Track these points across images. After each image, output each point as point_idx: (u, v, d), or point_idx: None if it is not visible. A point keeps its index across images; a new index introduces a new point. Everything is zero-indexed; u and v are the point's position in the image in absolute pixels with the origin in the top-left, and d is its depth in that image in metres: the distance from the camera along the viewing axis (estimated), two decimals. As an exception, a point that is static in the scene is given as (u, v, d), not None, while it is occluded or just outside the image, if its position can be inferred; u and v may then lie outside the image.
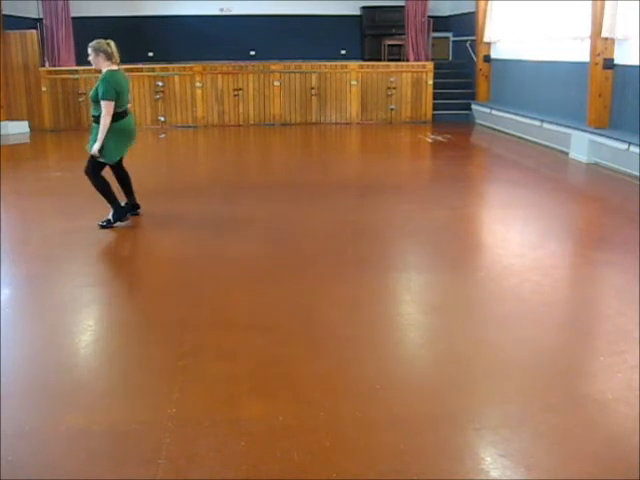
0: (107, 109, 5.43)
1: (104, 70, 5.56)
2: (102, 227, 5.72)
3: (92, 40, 5.70)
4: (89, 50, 5.59)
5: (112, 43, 5.64)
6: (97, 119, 5.53)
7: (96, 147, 5.48)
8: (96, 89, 5.49)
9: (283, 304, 4.23)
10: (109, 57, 5.58)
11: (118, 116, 5.54)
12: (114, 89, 5.46)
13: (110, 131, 5.47)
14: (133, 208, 6.05)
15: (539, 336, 3.72)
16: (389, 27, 14.77)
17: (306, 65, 13.06)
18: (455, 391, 3.15)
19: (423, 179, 8.77)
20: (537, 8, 10.66)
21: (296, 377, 3.28)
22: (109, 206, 5.76)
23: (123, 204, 5.89)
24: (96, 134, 5.51)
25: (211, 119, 12.87)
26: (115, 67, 5.63)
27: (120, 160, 5.92)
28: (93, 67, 5.73)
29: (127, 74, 5.97)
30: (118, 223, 5.76)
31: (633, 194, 7.02)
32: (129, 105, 5.83)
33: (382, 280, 4.68)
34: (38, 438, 2.76)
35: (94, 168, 5.67)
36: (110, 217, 5.76)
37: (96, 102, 5.52)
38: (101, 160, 5.60)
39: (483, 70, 13.03)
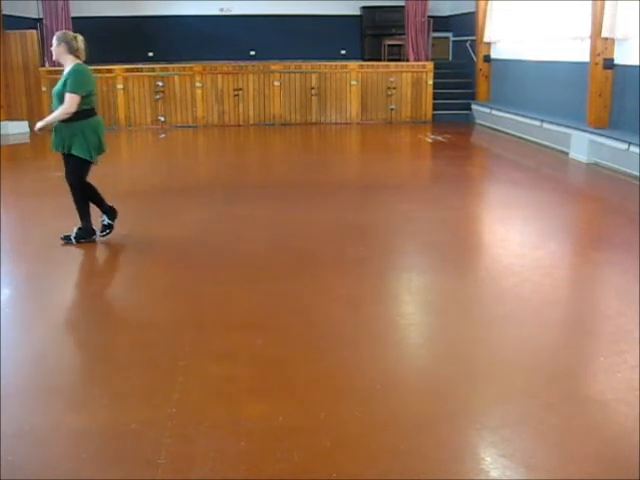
0: (71, 102, 4.96)
1: (71, 63, 5.11)
2: (65, 242, 5.34)
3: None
4: (53, 39, 5.20)
5: (80, 38, 5.20)
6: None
7: (40, 124, 5.11)
8: (64, 82, 5.04)
9: (283, 304, 4.22)
10: (72, 50, 5.11)
11: (91, 112, 5.17)
12: (91, 83, 5.13)
13: (84, 129, 5.09)
14: (110, 213, 5.50)
15: (539, 336, 3.72)
16: (389, 27, 14.76)
17: (306, 65, 13.06)
18: (455, 391, 3.15)
19: (423, 179, 8.77)
20: (537, 8, 10.65)
21: (296, 377, 3.28)
22: (79, 220, 5.38)
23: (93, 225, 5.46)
24: (61, 133, 5.11)
25: (211, 119, 12.87)
26: (80, 61, 5.17)
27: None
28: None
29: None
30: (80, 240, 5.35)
31: (633, 194, 7.02)
32: None
33: (382, 280, 4.68)
34: (38, 438, 2.76)
35: (76, 176, 5.24)
36: (74, 233, 5.35)
37: (61, 97, 5.08)
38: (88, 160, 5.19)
39: (483, 70, 13.03)
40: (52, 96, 5.26)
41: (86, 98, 5.08)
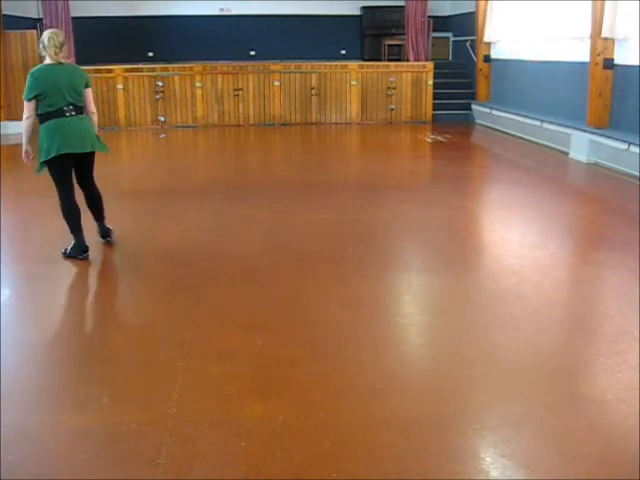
0: (25, 109, 4.82)
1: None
2: (65, 256, 5.09)
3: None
4: None
5: (47, 35, 4.82)
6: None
7: (23, 150, 5.02)
8: None
9: (283, 304, 4.22)
10: (45, 50, 4.83)
11: (46, 117, 4.84)
12: (36, 88, 4.74)
13: (40, 136, 4.90)
14: (103, 235, 5.38)
15: (539, 336, 3.72)
16: (389, 27, 14.78)
17: (306, 65, 13.06)
18: (455, 391, 3.15)
19: (423, 179, 8.77)
20: (537, 8, 10.66)
21: (296, 377, 3.28)
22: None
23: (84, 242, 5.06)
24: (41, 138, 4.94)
25: (211, 119, 12.87)
26: (50, 61, 4.83)
27: (86, 180, 5.20)
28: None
29: (79, 69, 5.11)
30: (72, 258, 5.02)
31: (633, 194, 7.02)
32: (71, 106, 4.87)
33: (382, 280, 4.67)
34: (38, 438, 2.76)
35: (56, 186, 5.01)
36: (69, 248, 5.07)
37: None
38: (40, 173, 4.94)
39: (483, 70, 13.03)
40: None
41: (41, 102, 4.79)
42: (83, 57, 12.69)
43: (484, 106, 12.68)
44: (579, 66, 9.28)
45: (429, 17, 13.85)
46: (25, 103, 4.84)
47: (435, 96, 13.17)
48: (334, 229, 5.89)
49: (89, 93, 5.08)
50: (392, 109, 13.15)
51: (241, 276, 4.73)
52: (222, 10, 14.72)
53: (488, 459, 2.61)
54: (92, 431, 2.81)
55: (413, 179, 8.61)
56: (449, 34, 15.03)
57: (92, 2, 13.74)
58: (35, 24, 12.69)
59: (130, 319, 4.12)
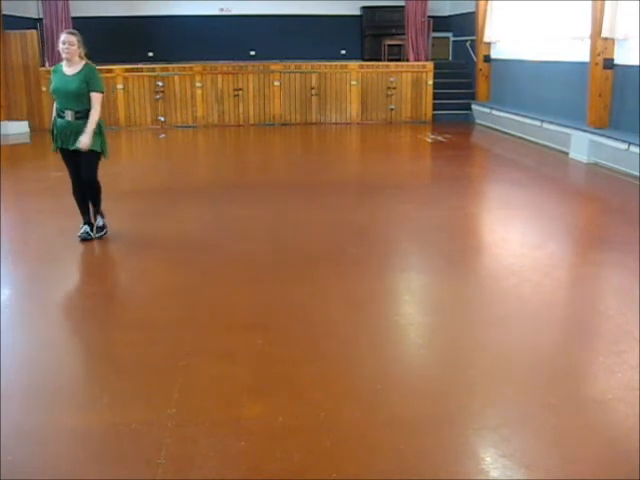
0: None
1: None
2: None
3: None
4: (73, 38, 5.25)
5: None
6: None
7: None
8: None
9: (283, 304, 4.22)
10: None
11: None
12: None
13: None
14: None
15: (539, 336, 3.72)
16: (389, 27, 14.77)
17: (306, 65, 13.06)
18: (455, 391, 3.15)
19: (423, 179, 8.77)
20: (537, 8, 10.66)
21: (296, 377, 3.28)
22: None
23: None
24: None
25: (211, 119, 12.87)
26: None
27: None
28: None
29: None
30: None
31: (633, 194, 7.02)
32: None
33: (382, 280, 4.67)
34: (38, 438, 2.76)
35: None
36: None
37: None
38: None
39: (483, 70, 13.03)
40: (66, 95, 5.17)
41: None
42: (83, 57, 12.69)
43: (484, 106, 12.68)
44: (579, 66, 9.28)
45: (429, 17, 13.84)
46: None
47: (435, 96, 13.18)
48: (334, 229, 5.89)
49: None
50: (392, 109, 13.15)
51: (241, 276, 4.73)
52: (222, 10, 14.72)
53: (488, 459, 2.61)
54: (92, 431, 2.81)
55: (413, 179, 8.61)
56: (449, 34, 15.03)
57: (92, 2, 13.74)
58: (35, 24, 12.71)
59: (130, 319, 4.12)
